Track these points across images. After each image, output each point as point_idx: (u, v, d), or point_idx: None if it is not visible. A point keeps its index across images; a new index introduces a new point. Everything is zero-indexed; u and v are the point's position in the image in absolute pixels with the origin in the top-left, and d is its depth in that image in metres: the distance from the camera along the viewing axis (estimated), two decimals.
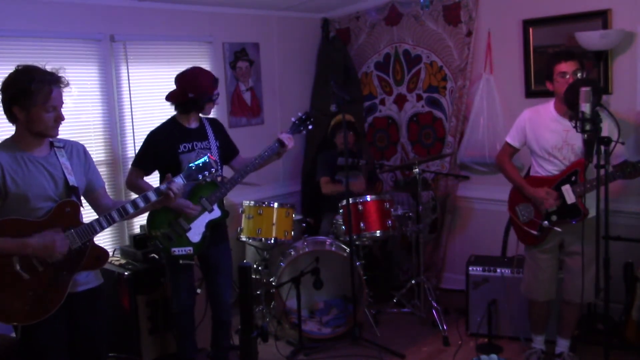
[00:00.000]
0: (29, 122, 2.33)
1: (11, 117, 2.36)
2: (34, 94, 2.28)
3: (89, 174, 2.56)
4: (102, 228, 2.44)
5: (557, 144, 3.23)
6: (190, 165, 2.66)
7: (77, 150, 2.55)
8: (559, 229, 3.22)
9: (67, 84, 2.42)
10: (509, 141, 3.44)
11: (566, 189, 3.20)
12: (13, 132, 2.43)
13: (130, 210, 2.48)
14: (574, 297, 3.29)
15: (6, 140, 2.41)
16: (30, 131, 2.36)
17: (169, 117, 3.39)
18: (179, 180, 2.60)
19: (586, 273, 3.13)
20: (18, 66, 2.37)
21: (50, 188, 2.38)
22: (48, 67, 2.38)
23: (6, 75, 2.36)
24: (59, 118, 2.38)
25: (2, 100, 2.35)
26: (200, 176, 2.66)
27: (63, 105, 2.40)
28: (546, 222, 3.24)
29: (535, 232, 3.30)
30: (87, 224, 2.42)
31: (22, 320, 2.34)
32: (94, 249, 2.46)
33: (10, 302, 2.30)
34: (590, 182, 3.12)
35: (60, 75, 2.38)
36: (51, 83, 2.33)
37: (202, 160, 2.68)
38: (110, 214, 2.45)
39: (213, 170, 2.69)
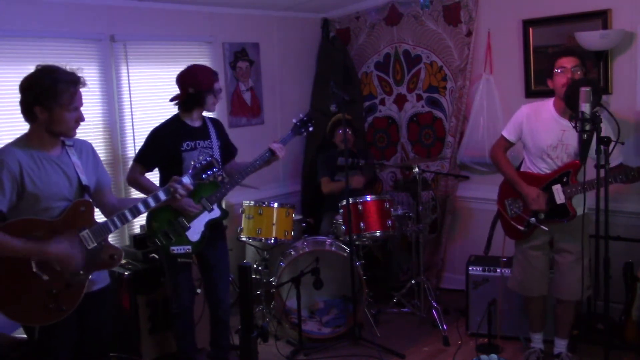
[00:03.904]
0: (51, 122, 2.31)
1: (31, 117, 2.33)
2: (59, 94, 2.27)
3: (98, 172, 2.56)
4: (116, 227, 2.45)
5: (553, 143, 3.23)
6: (196, 164, 2.67)
7: (86, 149, 2.54)
8: (545, 228, 3.24)
9: (85, 84, 2.42)
10: (504, 135, 3.44)
11: (557, 189, 3.21)
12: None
13: (142, 209, 2.50)
14: (565, 295, 3.32)
15: (20, 139, 2.38)
16: (50, 131, 2.34)
17: (172, 115, 3.39)
18: (187, 180, 2.60)
19: (574, 270, 3.15)
20: (39, 66, 2.35)
21: (65, 187, 2.38)
22: (68, 68, 2.37)
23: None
24: (80, 119, 2.38)
25: (22, 100, 2.32)
26: (204, 175, 2.67)
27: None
28: (533, 219, 3.27)
29: (521, 228, 3.32)
30: (102, 224, 2.42)
31: (40, 321, 2.33)
32: (108, 247, 2.46)
33: (29, 303, 2.28)
34: (581, 184, 3.12)
35: (80, 75, 2.38)
36: (75, 83, 2.32)
37: (206, 159, 2.69)
38: (124, 213, 2.45)
39: (215, 170, 2.70)
